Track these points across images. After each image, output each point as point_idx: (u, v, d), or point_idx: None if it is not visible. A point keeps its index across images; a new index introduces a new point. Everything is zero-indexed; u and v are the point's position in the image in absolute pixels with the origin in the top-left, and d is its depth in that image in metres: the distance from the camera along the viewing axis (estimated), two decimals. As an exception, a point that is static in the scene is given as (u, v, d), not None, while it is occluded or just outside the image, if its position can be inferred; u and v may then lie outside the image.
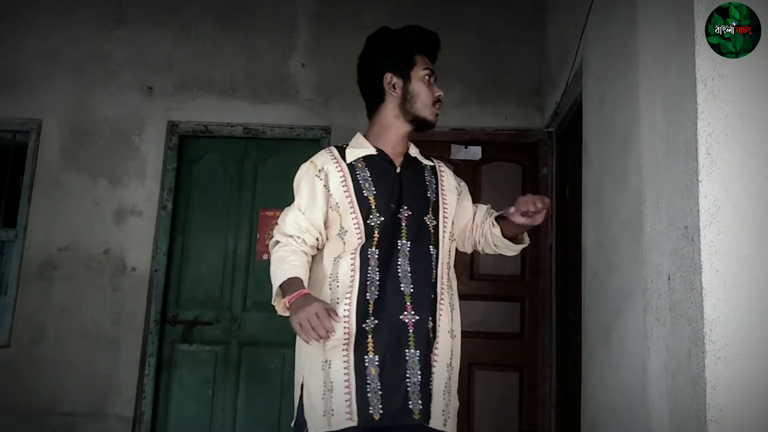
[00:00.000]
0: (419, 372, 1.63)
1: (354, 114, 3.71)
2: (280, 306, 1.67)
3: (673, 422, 1.55)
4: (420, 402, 1.62)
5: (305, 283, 1.68)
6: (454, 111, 3.74)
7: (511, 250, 1.94)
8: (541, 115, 3.77)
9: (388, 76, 1.83)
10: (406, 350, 1.65)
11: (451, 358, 1.74)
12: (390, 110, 1.84)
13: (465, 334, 3.52)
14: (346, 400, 1.61)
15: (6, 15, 3.98)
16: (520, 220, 1.71)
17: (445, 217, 1.83)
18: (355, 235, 1.75)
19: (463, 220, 1.96)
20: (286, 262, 1.70)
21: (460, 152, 3.75)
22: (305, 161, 1.87)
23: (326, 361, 1.65)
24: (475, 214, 1.97)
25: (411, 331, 1.66)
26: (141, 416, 3.60)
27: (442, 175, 1.93)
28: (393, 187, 1.79)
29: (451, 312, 1.79)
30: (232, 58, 3.93)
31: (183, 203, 3.88)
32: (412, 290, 1.69)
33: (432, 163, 1.94)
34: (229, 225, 3.85)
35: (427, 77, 1.84)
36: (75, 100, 3.89)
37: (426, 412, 1.62)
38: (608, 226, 2.29)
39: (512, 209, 1.71)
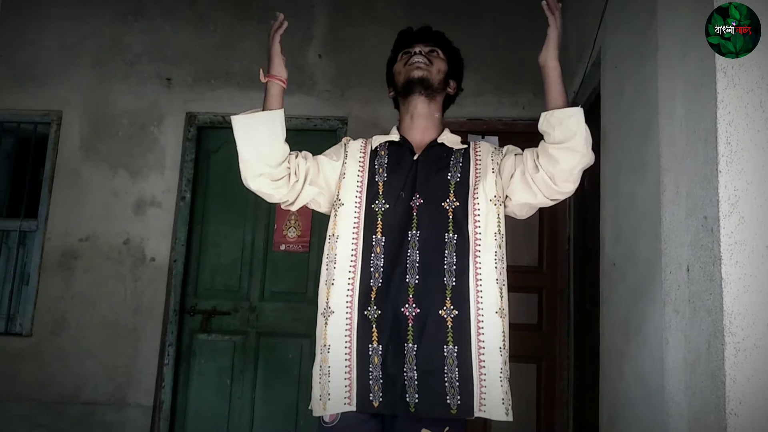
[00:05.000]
0: (415, 367, 1.58)
1: (371, 104, 3.74)
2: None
3: (692, 415, 1.53)
4: (415, 395, 1.58)
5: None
6: (471, 101, 3.72)
7: (562, 128, 1.85)
8: (559, 104, 3.73)
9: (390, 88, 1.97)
10: (405, 344, 1.60)
11: (503, 341, 1.62)
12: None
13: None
14: (346, 386, 1.61)
15: (26, 9, 4.02)
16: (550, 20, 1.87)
17: (475, 195, 1.72)
18: (352, 217, 1.73)
19: (508, 175, 1.78)
20: None
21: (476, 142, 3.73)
22: (322, 151, 1.88)
23: (325, 345, 1.65)
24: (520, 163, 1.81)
25: (410, 324, 1.61)
26: (160, 405, 3.65)
27: (478, 154, 1.82)
28: (407, 174, 1.76)
29: (500, 290, 1.66)
30: (250, 50, 3.94)
31: (201, 194, 3.91)
32: (417, 282, 1.64)
33: (465, 146, 1.85)
34: (246, 215, 3.87)
35: (401, 56, 1.91)
36: (95, 92, 3.93)
37: (466, 406, 1.57)
38: (627, 216, 2.27)
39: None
